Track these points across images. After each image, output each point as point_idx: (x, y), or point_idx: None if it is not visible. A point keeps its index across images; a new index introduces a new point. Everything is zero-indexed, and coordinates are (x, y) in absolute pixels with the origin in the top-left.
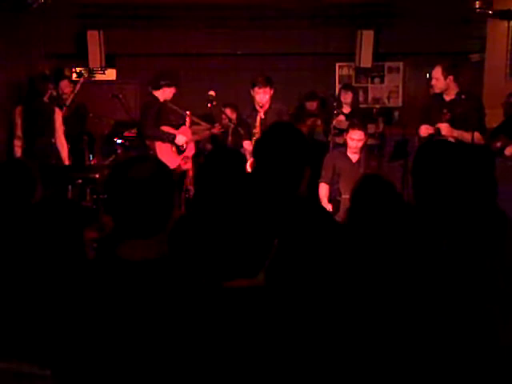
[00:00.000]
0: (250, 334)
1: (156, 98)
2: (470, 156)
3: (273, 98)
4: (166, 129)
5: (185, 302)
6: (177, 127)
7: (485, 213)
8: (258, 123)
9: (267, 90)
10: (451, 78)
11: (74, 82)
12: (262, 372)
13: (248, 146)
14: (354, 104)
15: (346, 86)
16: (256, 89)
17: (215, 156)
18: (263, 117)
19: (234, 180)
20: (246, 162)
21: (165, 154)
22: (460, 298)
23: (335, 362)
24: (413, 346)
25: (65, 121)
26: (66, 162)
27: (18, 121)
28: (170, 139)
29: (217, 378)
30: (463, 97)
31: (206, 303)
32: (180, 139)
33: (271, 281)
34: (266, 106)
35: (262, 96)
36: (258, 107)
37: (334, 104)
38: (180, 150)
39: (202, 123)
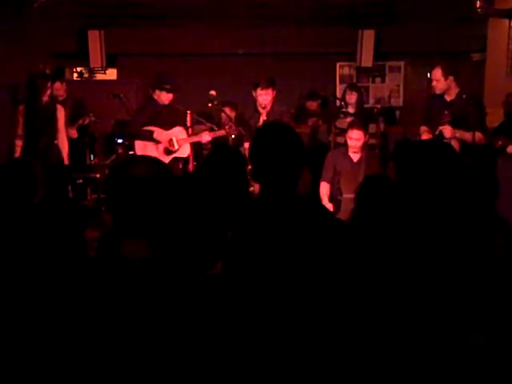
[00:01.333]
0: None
1: (155, 101)
2: (471, 155)
3: (275, 99)
4: (154, 129)
5: (185, 299)
6: (170, 127)
7: (484, 215)
8: (260, 125)
9: (269, 91)
10: (451, 78)
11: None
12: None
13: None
14: (359, 104)
15: (352, 86)
16: (258, 90)
17: (215, 155)
18: (265, 118)
19: (234, 179)
20: (246, 161)
21: (147, 153)
22: (453, 297)
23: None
24: (407, 343)
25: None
26: (66, 162)
27: (21, 120)
28: (149, 138)
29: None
30: (464, 97)
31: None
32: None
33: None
34: (269, 107)
35: (265, 97)
36: (260, 109)
37: (342, 103)
38: (169, 150)
39: (207, 123)
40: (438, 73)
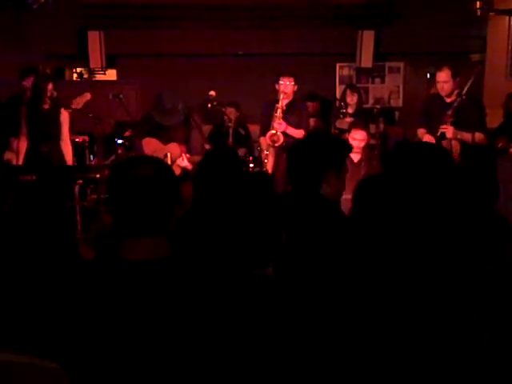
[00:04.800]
0: (260, 325)
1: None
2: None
3: (296, 94)
4: (153, 142)
5: (186, 301)
6: (167, 142)
7: (485, 216)
8: (279, 111)
9: (291, 79)
10: (457, 79)
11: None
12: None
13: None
14: (359, 105)
15: (352, 87)
16: (280, 78)
17: (213, 156)
18: (285, 108)
19: (231, 179)
20: (242, 161)
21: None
22: (452, 299)
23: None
24: (410, 343)
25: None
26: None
27: (23, 122)
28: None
29: (220, 375)
30: (464, 97)
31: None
32: None
33: (279, 272)
34: (290, 95)
35: (286, 85)
36: (281, 96)
37: (342, 104)
38: None
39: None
40: (446, 74)
